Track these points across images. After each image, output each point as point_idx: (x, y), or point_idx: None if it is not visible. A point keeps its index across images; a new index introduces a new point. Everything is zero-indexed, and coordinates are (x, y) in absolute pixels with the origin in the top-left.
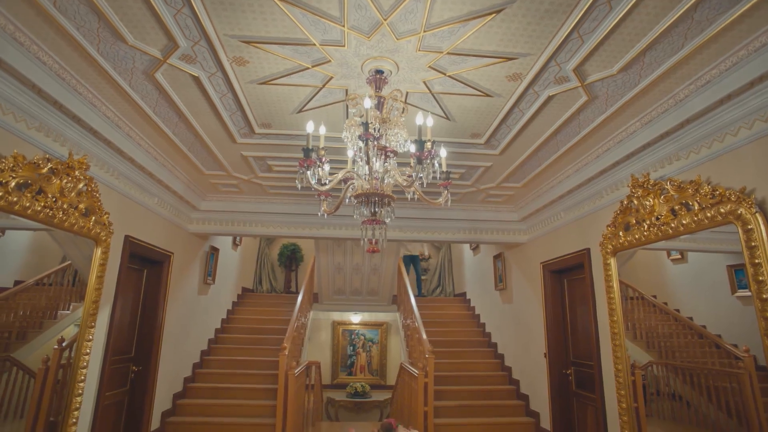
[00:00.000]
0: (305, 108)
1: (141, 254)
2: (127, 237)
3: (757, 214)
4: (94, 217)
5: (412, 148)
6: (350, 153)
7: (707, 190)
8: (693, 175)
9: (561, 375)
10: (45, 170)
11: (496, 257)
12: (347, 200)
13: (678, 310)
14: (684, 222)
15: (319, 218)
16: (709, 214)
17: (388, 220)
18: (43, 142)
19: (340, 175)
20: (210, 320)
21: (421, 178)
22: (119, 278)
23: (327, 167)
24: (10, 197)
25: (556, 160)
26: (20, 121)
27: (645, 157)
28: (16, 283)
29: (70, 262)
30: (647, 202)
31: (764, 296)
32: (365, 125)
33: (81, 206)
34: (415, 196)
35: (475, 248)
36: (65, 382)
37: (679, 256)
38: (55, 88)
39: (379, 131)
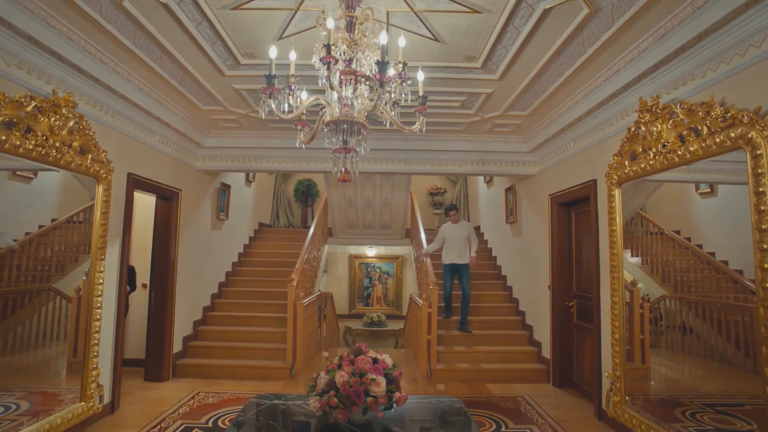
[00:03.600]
0: (285, 35)
1: (148, 191)
2: (130, 174)
3: None
4: (90, 155)
5: (376, 71)
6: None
7: (719, 112)
8: (706, 96)
9: (563, 307)
10: (30, 108)
11: (508, 190)
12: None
13: (701, 246)
14: (691, 149)
15: (325, 152)
16: (717, 140)
17: (359, 149)
18: (25, 80)
19: (306, 102)
20: (226, 254)
21: (383, 100)
22: (126, 214)
23: (304, 95)
24: None
25: (562, 85)
26: None
27: (658, 78)
28: (52, 221)
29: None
30: (654, 128)
31: (763, 227)
32: (327, 47)
33: (75, 144)
34: (392, 124)
35: (489, 181)
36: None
37: (709, 190)
38: (24, 21)
39: (346, 54)
